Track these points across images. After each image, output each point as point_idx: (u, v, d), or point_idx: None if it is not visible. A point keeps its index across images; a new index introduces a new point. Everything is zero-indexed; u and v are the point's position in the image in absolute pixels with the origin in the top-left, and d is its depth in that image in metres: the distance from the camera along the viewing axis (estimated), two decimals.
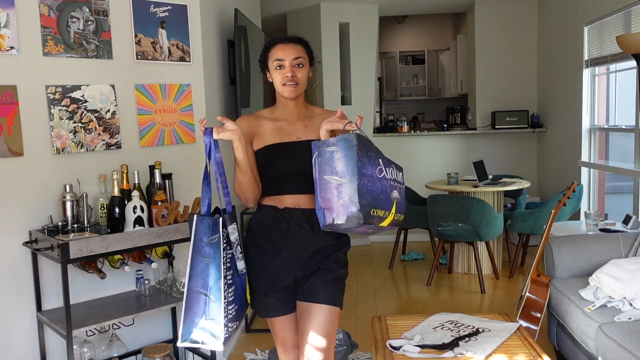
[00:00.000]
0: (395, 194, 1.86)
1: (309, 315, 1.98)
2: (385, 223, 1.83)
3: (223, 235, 1.81)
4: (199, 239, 1.80)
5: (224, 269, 1.79)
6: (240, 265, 1.90)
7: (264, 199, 2.04)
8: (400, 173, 1.93)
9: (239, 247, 1.89)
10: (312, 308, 1.98)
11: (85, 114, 2.74)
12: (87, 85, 2.74)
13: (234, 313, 1.84)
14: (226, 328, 1.79)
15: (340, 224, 1.75)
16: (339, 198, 1.74)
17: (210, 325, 1.78)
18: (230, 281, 1.83)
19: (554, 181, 5.90)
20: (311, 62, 2.06)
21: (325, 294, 1.98)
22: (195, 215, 1.81)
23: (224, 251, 1.80)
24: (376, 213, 1.78)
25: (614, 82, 4.93)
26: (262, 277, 2.00)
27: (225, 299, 1.78)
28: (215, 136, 1.85)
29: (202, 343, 1.78)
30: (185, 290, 1.79)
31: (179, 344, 1.80)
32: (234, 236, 1.88)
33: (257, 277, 2.01)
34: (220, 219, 1.81)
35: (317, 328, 1.97)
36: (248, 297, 1.96)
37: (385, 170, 1.85)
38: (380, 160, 1.83)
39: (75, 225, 2.57)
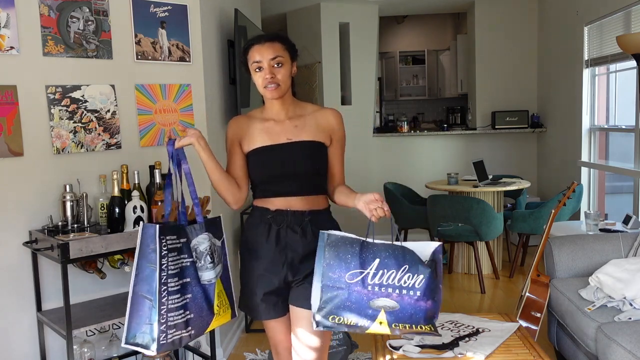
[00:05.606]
0: (382, 301, 1.70)
1: (300, 321, 1.97)
2: (370, 331, 1.72)
3: (162, 243, 1.77)
4: (146, 245, 1.78)
5: (163, 275, 1.75)
6: (208, 275, 1.86)
7: (256, 200, 2.03)
8: (420, 277, 1.70)
9: (208, 257, 1.87)
10: (302, 313, 1.96)
11: (85, 114, 2.74)
12: (87, 85, 2.74)
13: (179, 321, 1.78)
14: (164, 334, 1.75)
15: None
16: (310, 297, 1.79)
17: (151, 329, 1.75)
18: (176, 289, 1.78)
19: (554, 181, 5.90)
20: (293, 58, 1.98)
21: None
22: (144, 224, 1.81)
23: (163, 258, 1.76)
24: (339, 321, 1.72)
25: (614, 82, 4.93)
26: (253, 278, 1.98)
27: (163, 305, 1.74)
28: (176, 144, 1.86)
29: (142, 347, 1.76)
30: (130, 293, 1.77)
31: (123, 344, 1.79)
32: (203, 246, 1.86)
33: (249, 278, 2.00)
34: (157, 227, 1.77)
35: (308, 333, 1.96)
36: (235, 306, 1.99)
37: (369, 274, 1.71)
38: (366, 263, 1.72)
39: (75, 225, 2.57)
